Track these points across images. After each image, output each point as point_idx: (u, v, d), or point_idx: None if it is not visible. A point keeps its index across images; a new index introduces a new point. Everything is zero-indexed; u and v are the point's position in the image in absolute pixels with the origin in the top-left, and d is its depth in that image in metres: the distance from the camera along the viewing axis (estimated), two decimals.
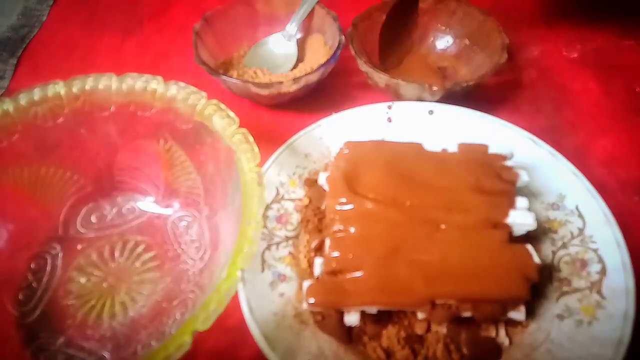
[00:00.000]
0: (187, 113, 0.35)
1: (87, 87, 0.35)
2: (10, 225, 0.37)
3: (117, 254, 0.38)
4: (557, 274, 0.36)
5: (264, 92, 0.46)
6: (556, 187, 0.40)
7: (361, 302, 0.33)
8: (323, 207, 0.39)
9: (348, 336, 0.34)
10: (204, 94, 0.35)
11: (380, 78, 0.46)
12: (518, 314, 0.33)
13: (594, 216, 0.37)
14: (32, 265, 0.37)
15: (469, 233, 0.34)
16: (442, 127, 0.44)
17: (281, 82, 0.45)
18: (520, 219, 0.35)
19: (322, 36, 0.53)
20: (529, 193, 0.39)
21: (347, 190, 0.36)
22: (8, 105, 0.34)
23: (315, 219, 0.39)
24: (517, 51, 0.56)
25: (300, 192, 0.41)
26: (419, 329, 0.34)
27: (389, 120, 0.44)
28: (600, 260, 0.35)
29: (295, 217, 0.40)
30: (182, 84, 0.36)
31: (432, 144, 0.39)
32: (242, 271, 0.27)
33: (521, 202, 0.36)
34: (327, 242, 0.34)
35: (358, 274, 0.33)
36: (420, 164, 0.38)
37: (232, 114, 0.34)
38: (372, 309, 0.33)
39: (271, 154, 0.41)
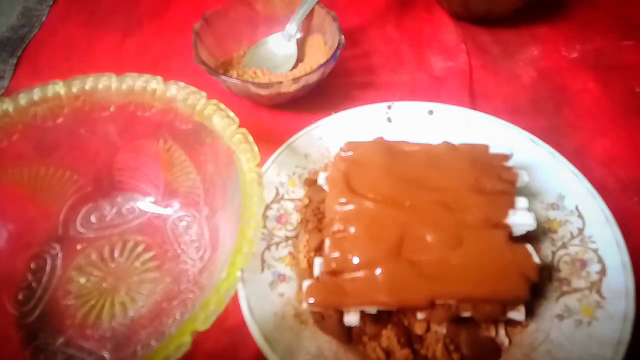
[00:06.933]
0: (186, 113, 0.35)
1: (86, 87, 0.35)
2: (10, 225, 0.37)
3: (116, 254, 0.38)
4: (556, 274, 0.36)
5: (264, 92, 0.45)
6: (556, 187, 0.40)
7: (361, 302, 0.33)
8: (323, 207, 0.39)
9: (348, 336, 0.34)
10: (204, 94, 0.35)
11: None
12: (518, 314, 0.33)
13: (593, 216, 0.37)
14: (32, 265, 0.37)
15: (468, 233, 0.34)
16: (442, 127, 0.44)
17: (281, 82, 0.44)
18: (520, 219, 0.35)
19: (322, 36, 0.53)
20: (529, 193, 0.39)
21: (346, 190, 0.36)
22: (8, 105, 0.34)
23: (315, 219, 0.39)
24: (517, 51, 0.56)
25: (300, 192, 0.41)
26: (419, 329, 0.34)
27: (389, 120, 0.44)
28: (600, 260, 0.35)
29: (295, 217, 0.40)
30: (181, 84, 0.36)
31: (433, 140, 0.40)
32: (242, 271, 0.27)
33: (521, 202, 0.36)
34: (327, 242, 0.34)
35: (358, 274, 0.33)
36: (420, 164, 0.38)
37: (231, 114, 0.34)
38: (372, 309, 0.33)
39: (271, 154, 0.41)
